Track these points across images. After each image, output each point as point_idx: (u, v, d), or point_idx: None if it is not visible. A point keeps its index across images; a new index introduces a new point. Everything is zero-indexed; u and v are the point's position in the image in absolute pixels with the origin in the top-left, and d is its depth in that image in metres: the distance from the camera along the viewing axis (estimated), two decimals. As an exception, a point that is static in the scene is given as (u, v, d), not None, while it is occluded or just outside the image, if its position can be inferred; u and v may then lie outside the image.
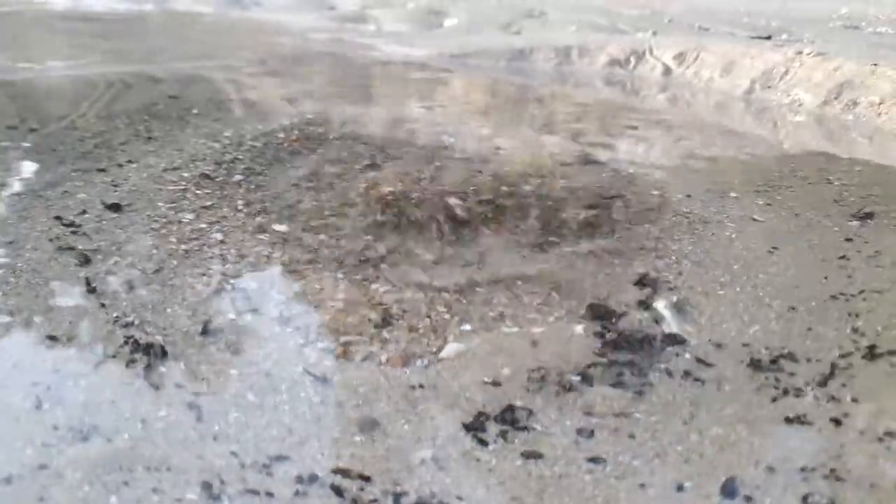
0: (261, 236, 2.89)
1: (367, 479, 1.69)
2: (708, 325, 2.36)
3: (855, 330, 2.34)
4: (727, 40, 7.22)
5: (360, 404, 1.94)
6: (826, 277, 2.70)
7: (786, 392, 2.03)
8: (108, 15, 9.53)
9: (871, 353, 2.21)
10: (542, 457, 1.79)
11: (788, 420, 1.92)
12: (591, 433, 1.87)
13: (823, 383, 2.07)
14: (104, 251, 2.69)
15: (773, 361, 2.17)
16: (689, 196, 3.53)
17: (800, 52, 6.12)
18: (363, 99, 5.62)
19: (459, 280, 2.61)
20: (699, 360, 2.17)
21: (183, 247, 2.76)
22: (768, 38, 7.35)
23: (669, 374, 2.11)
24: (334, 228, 2.99)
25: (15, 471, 1.64)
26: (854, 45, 6.49)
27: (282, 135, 4.24)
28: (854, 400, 2.00)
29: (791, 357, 2.18)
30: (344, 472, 1.70)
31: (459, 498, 1.66)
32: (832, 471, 1.75)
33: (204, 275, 2.56)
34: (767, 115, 5.65)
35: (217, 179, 3.46)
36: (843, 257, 2.88)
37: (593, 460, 1.78)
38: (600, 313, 2.41)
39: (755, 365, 2.15)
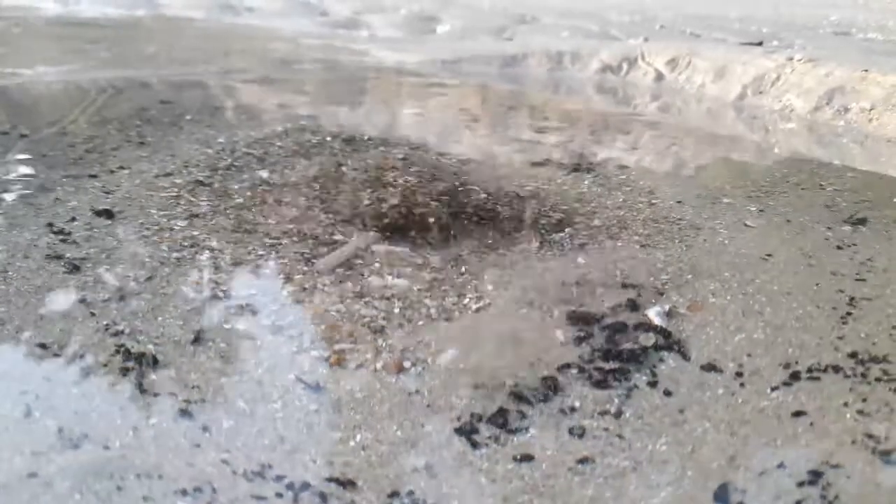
0: (254, 244, 2.88)
1: (357, 485, 1.68)
2: (697, 332, 2.37)
3: (840, 338, 2.34)
4: (719, 46, 7.25)
5: (353, 411, 1.94)
6: (818, 284, 2.71)
7: (774, 399, 2.04)
8: (100, 20, 9.51)
9: (856, 360, 2.22)
10: (533, 459, 1.79)
11: (779, 425, 1.92)
12: (581, 435, 1.87)
13: (809, 391, 2.08)
14: (95, 259, 2.68)
15: (762, 369, 2.17)
16: (680, 202, 3.54)
17: (791, 59, 6.15)
18: (356, 105, 5.62)
19: (451, 288, 2.61)
20: (688, 366, 2.18)
21: (175, 254, 2.74)
22: (760, 44, 7.39)
23: (659, 379, 2.11)
24: (329, 236, 2.98)
25: (4, 479, 1.62)
26: (845, 52, 6.53)
27: (278, 143, 4.23)
28: (839, 406, 2.01)
29: (775, 366, 2.19)
30: (336, 480, 1.69)
31: (455, 499, 1.65)
32: (823, 476, 1.75)
33: (196, 283, 2.55)
34: (759, 121, 5.67)
35: (210, 186, 3.45)
36: (834, 264, 2.89)
37: (583, 461, 1.78)
38: (591, 320, 2.41)
39: (745, 372, 2.15)
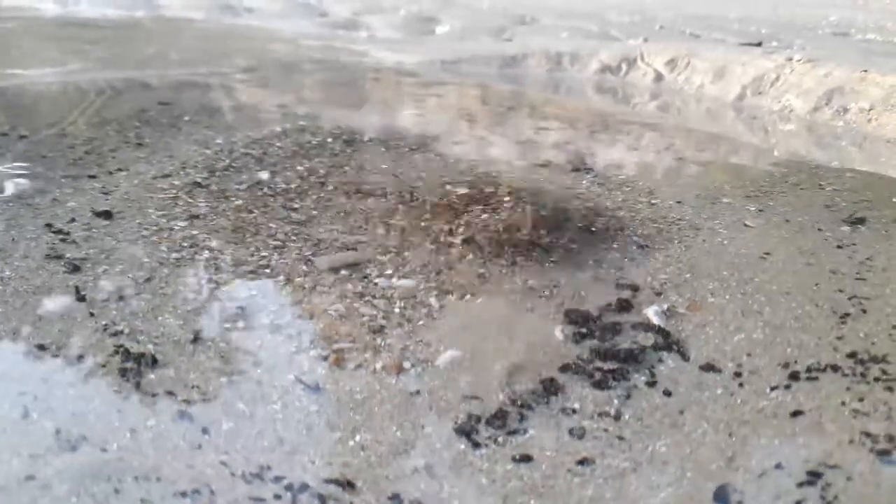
0: (253, 244, 2.87)
1: (357, 486, 1.68)
2: (696, 332, 2.36)
3: (839, 338, 2.34)
4: (718, 47, 7.25)
5: (353, 412, 1.93)
6: (817, 284, 2.70)
7: (773, 399, 2.03)
8: (100, 21, 9.52)
9: (855, 360, 2.21)
10: (533, 459, 1.79)
11: (777, 426, 1.92)
12: (581, 436, 1.87)
13: (807, 391, 2.07)
14: (94, 259, 2.67)
15: (760, 369, 2.17)
16: (679, 202, 3.53)
17: (790, 59, 6.15)
18: (355, 106, 5.62)
19: (450, 287, 2.60)
20: (687, 367, 2.17)
21: (174, 255, 2.74)
22: (759, 44, 7.39)
23: (658, 379, 2.10)
24: (328, 237, 2.98)
25: (2, 482, 1.62)
26: (844, 52, 6.53)
27: (277, 143, 4.23)
28: (838, 405, 2.01)
29: (774, 366, 2.19)
30: (335, 481, 1.69)
31: (455, 499, 1.65)
32: (823, 476, 1.74)
33: (195, 283, 2.55)
34: (758, 122, 5.67)
35: (209, 187, 3.45)
36: (834, 263, 2.89)
37: (582, 462, 1.78)
38: (590, 319, 2.41)
39: (744, 372, 2.15)
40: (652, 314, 2.44)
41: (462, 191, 3.56)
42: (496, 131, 4.94)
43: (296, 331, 2.30)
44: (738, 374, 2.14)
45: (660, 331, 2.35)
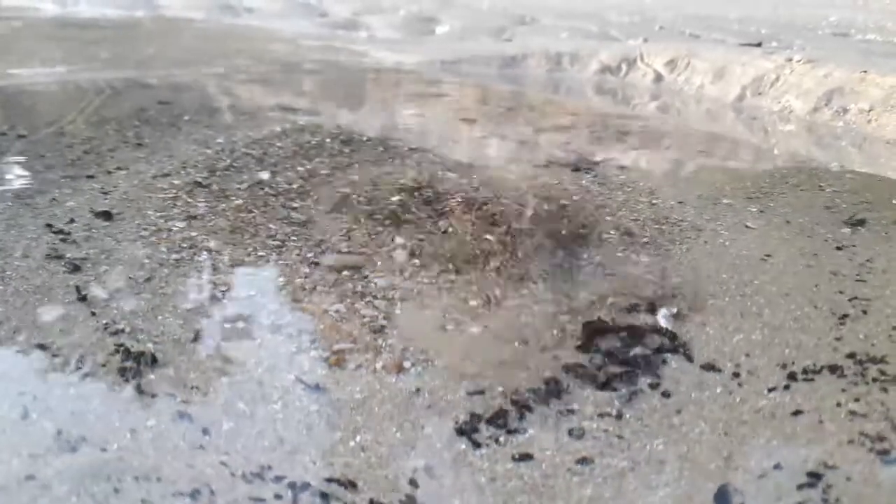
0: (253, 244, 2.87)
1: (358, 486, 1.68)
2: (697, 334, 2.36)
3: (839, 339, 2.34)
4: (718, 47, 7.26)
5: (353, 412, 1.93)
6: (817, 285, 2.71)
7: (771, 399, 2.03)
8: (99, 21, 9.51)
9: (855, 361, 2.21)
10: (533, 458, 1.79)
11: (776, 426, 1.92)
12: (581, 436, 1.87)
13: (805, 391, 2.07)
14: (94, 259, 2.67)
15: (759, 370, 2.17)
16: (680, 203, 3.53)
17: (790, 60, 6.16)
18: (355, 106, 5.62)
19: (451, 288, 2.60)
20: (689, 368, 2.17)
21: (174, 255, 2.74)
22: (759, 45, 7.39)
23: (659, 380, 2.10)
24: (327, 237, 2.98)
25: (1, 482, 1.62)
26: (844, 53, 6.53)
27: (277, 143, 4.23)
28: (836, 406, 2.01)
29: (773, 367, 2.19)
30: (336, 481, 1.69)
31: (455, 499, 1.65)
32: (823, 476, 1.74)
33: (195, 283, 2.55)
34: (758, 122, 5.67)
35: (209, 187, 3.45)
36: (834, 265, 2.89)
37: (582, 462, 1.78)
38: (593, 321, 2.40)
39: (742, 372, 2.15)
40: (660, 317, 2.44)
41: (461, 191, 3.56)
42: (496, 131, 4.94)
43: (296, 331, 2.30)
44: (736, 375, 2.14)
45: (666, 333, 2.35)
